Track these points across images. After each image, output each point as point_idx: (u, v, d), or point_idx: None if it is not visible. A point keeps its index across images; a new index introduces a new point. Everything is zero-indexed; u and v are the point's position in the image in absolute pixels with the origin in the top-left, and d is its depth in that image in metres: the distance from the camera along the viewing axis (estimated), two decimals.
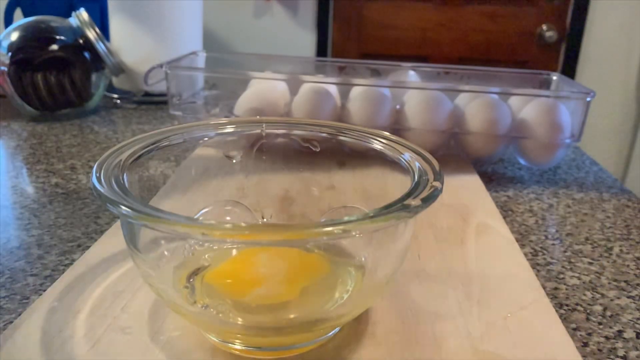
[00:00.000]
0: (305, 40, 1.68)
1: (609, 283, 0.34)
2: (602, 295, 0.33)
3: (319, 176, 0.34)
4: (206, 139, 0.32)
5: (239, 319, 0.25)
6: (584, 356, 0.27)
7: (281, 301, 0.26)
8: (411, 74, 0.64)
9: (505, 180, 0.52)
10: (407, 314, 0.28)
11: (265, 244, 0.27)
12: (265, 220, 0.33)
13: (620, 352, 0.28)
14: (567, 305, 0.32)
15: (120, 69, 0.73)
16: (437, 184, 0.24)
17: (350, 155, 0.32)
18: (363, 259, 0.28)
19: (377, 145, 0.30)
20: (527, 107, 0.53)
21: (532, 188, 0.50)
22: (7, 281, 0.32)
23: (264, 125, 0.33)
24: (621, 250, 0.39)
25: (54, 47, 0.67)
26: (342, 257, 0.30)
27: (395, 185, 0.27)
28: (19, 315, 0.28)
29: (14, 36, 0.67)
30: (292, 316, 0.26)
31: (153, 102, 0.77)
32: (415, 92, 0.54)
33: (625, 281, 0.35)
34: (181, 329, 0.27)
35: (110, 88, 0.79)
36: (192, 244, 0.29)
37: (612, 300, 0.32)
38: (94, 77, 0.70)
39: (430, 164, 0.26)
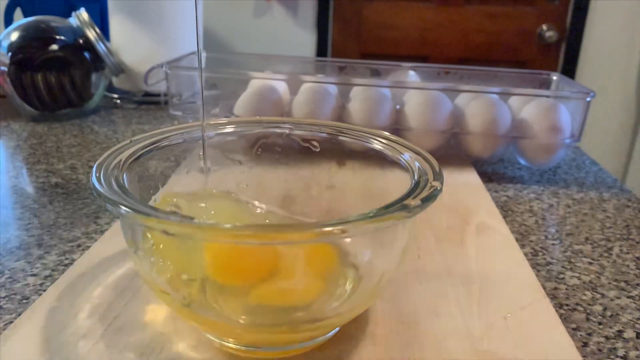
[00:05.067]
0: (305, 40, 1.68)
1: (609, 283, 0.34)
2: (602, 295, 0.33)
3: (319, 176, 0.34)
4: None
5: (241, 319, 0.25)
6: (584, 356, 0.27)
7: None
8: (411, 74, 0.64)
9: (505, 180, 0.52)
10: (407, 314, 0.28)
11: (265, 244, 0.27)
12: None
13: (620, 352, 0.28)
14: (567, 305, 0.32)
15: (120, 69, 0.73)
16: (436, 183, 0.24)
17: (350, 155, 0.32)
18: (363, 258, 0.28)
19: (377, 145, 0.30)
20: (527, 107, 0.53)
21: (532, 188, 0.50)
22: (7, 281, 0.32)
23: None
24: (621, 250, 0.39)
25: (54, 47, 0.67)
26: (341, 257, 0.30)
27: (395, 185, 0.27)
28: (19, 315, 0.28)
29: (14, 36, 0.66)
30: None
31: (153, 102, 0.77)
32: (415, 92, 0.54)
33: (625, 281, 0.35)
34: (181, 329, 0.27)
35: (110, 88, 0.79)
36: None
37: (612, 300, 0.32)
38: (94, 77, 0.70)
39: (430, 163, 0.26)
